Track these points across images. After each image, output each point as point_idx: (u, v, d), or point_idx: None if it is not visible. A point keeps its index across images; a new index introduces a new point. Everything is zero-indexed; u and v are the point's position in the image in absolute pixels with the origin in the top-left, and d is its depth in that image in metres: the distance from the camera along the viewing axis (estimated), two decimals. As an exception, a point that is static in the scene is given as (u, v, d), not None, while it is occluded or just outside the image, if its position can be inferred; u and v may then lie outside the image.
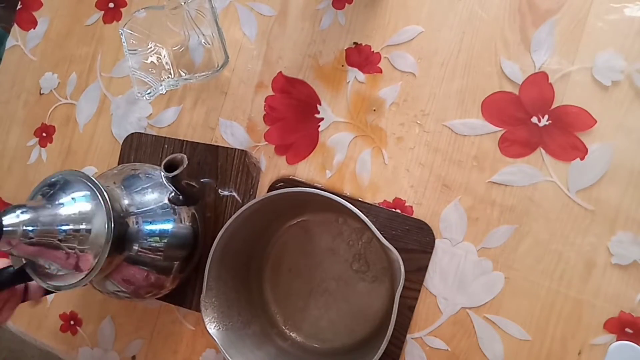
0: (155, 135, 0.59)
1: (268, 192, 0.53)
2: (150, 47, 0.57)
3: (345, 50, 0.54)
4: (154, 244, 0.46)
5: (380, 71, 0.52)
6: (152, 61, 0.57)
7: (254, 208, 0.45)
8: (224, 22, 0.58)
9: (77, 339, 0.61)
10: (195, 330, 0.56)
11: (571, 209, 0.45)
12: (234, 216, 0.45)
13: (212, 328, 0.45)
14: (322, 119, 0.54)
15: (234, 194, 0.53)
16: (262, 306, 0.53)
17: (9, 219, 0.37)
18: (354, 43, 0.53)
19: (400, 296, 0.41)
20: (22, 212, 0.38)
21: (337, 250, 0.51)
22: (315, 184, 0.53)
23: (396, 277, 0.43)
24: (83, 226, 0.41)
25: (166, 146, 0.58)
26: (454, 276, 0.47)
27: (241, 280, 0.51)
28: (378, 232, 0.42)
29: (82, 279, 0.41)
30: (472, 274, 0.47)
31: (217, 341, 0.44)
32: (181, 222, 0.49)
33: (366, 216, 0.42)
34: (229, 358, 0.44)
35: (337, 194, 0.48)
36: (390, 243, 0.42)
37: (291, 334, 0.52)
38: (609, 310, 0.43)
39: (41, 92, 0.67)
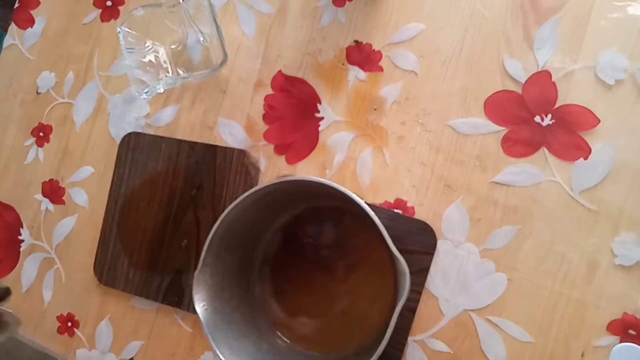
0: (153, 135, 0.59)
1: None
2: (148, 46, 0.56)
3: (346, 48, 0.53)
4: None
5: (381, 69, 0.51)
6: (149, 60, 0.56)
7: (267, 190, 0.43)
8: (223, 20, 0.58)
9: (75, 340, 0.61)
10: (193, 333, 0.55)
11: (574, 210, 0.44)
12: (243, 195, 0.43)
13: (200, 306, 0.45)
14: (322, 118, 0.53)
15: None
16: (258, 297, 0.52)
17: None
18: (355, 41, 0.53)
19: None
20: None
21: (345, 251, 0.50)
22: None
23: (400, 289, 0.41)
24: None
25: (164, 145, 0.57)
26: (456, 278, 0.47)
27: (241, 265, 0.50)
28: (391, 242, 0.40)
29: None
30: (475, 276, 0.46)
31: (202, 321, 0.44)
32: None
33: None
34: (211, 340, 0.43)
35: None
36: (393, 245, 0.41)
37: (282, 332, 0.51)
38: (612, 312, 0.43)
39: (38, 91, 0.67)
